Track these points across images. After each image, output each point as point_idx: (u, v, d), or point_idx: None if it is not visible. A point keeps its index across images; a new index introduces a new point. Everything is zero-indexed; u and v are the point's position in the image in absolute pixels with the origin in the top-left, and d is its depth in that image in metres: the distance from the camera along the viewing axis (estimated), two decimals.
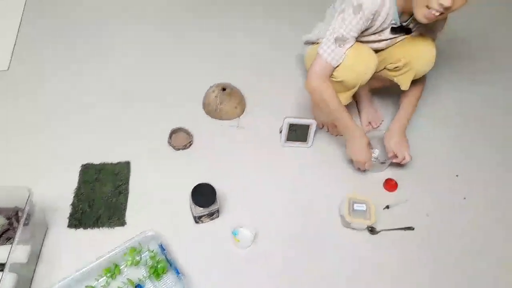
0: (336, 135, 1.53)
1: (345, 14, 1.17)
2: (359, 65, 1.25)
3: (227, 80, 1.62)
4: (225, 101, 1.50)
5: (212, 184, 1.23)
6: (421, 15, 1.11)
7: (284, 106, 1.60)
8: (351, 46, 1.21)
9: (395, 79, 1.37)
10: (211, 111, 1.52)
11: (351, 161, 1.42)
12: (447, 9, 1.06)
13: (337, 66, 1.23)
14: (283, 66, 1.74)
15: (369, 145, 1.36)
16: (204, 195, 1.21)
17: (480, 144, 1.56)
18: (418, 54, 1.29)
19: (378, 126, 1.58)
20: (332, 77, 1.27)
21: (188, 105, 1.57)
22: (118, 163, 1.40)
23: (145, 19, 1.91)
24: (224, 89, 1.52)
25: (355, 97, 1.60)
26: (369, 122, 1.58)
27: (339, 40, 1.20)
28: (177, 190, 1.32)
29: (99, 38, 1.81)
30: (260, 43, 1.84)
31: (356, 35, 1.20)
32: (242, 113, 1.56)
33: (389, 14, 1.20)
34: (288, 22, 1.92)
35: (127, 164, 1.40)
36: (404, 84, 1.36)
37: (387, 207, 1.35)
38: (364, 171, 1.42)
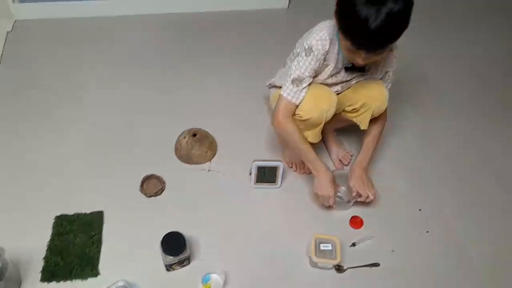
0: (303, 173, 1.60)
1: (299, 57, 1.30)
2: (321, 103, 1.33)
3: (198, 125, 1.68)
4: (196, 146, 1.56)
5: (183, 231, 1.27)
6: (351, 61, 1.27)
7: (254, 148, 1.66)
8: (308, 85, 1.32)
9: (354, 120, 1.45)
10: (183, 156, 1.57)
11: (316, 197, 1.47)
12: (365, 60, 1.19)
13: (300, 104, 1.33)
14: (252, 109, 1.82)
15: (334, 181, 1.42)
16: (173, 244, 1.24)
17: (441, 179, 1.64)
18: (371, 95, 1.38)
19: (349, 163, 1.65)
20: (298, 116, 1.35)
21: (161, 151, 1.62)
22: (91, 213, 1.43)
23: (117, 66, 1.98)
24: (194, 135, 1.58)
25: (322, 138, 1.68)
26: (340, 160, 1.65)
27: (296, 81, 1.31)
28: (149, 238, 1.35)
29: (71, 89, 1.86)
30: (230, 88, 1.92)
31: (310, 74, 1.30)
32: (214, 157, 1.62)
33: (339, 56, 1.29)
34: (255, 67, 2.01)
35: (100, 214, 1.43)
36: (363, 124, 1.45)
37: (353, 244, 1.41)
38: (329, 207, 1.47)
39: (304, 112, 1.34)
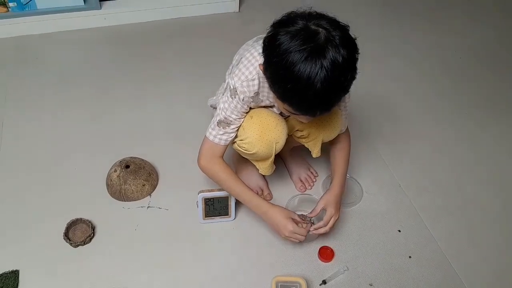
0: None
1: (226, 96, 1.11)
2: (268, 134, 1.11)
3: (136, 154, 1.43)
4: (130, 180, 1.31)
5: (119, 285, 1.01)
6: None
7: (201, 176, 1.40)
8: (238, 127, 1.13)
9: (305, 145, 1.24)
10: (115, 193, 1.32)
11: (284, 239, 1.20)
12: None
13: (229, 142, 1.15)
14: (199, 130, 1.56)
15: (287, 213, 1.17)
16: None
17: (421, 194, 1.42)
18: (319, 124, 1.17)
19: (314, 185, 1.42)
20: (244, 149, 1.14)
21: (91, 190, 1.36)
22: (2, 274, 1.16)
23: (42, 91, 1.71)
24: (127, 166, 1.33)
25: (281, 157, 1.46)
26: (302, 182, 1.42)
27: (222, 123, 1.12)
28: None
29: None
30: (174, 106, 1.67)
31: (239, 117, 1.12)
32: (153, 190, 1.37)
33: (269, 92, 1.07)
34: (204, 79, 1.77)
35: (14, 275, 1.16)
36: (314, 151, 1.24)
37: (324, 282, 1.17)
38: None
39: (249, 145, 1.12)
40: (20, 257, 1.19)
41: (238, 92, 1.07)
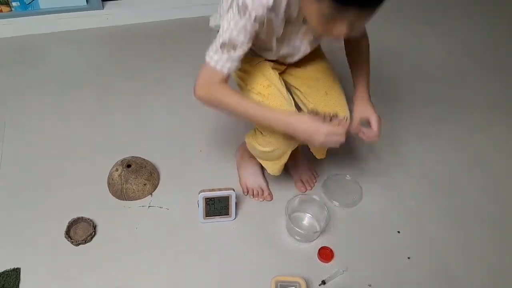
0: (263, 200, 1.37)
1: (230, 14, 0.95)
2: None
3: (137, 153, 1.44)
4: (131, 179, 1.32)
5: (120, 284, 1.02)
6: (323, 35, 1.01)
7: (203, 175, 1.42)
8: (244, 52, 0.98)
9: (311, 148, 1.25)
10: (117, 192, 1.33)
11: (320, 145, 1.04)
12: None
13: (229, 73, 1.00)
14: (199, 129, 1.59)
15: (315, 113, 1.05)
16: None
17: (421, 196, 1.43)
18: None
19: (314, 186, 1.43)
20: (260, 146, 1.14)
21: (92, 189, 1.36)
22: (4, 272, 1.16)
23: (43, 90, 1.71)
24: (129, 165, 1.34)
25: None
26: (302, 182, 1.42)
27: (227, 46, 0.97)
28: None
29: None
30: (174, 106, 1.68)
31: (246, 40, 0.96)
32: (155, 190, 1.37)
33: (290, 9, 0.96)
34: None
35: (15, 272, 1.17)
36: (318, 153, 1.26)
37: (323, 282, 1.18)
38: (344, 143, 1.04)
39: (265, 142, 1.11)
40: (22, 255, 1.20)
41: (249, 9, 0.91)
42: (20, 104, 1.65)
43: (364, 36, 1.18)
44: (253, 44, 1.00)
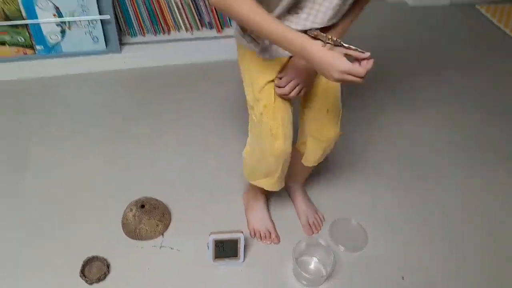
0: (271, 243, 1.41)
1: None
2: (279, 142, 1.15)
3: (150, 193, 1.50)
4: (145, 219, 1.37)
5: None
6: None
7: (213, 216, 1.47)
8: None
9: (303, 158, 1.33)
10: (130, 232, 1.38)
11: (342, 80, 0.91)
12: None
13: None
14: (210, 171, 1.65)
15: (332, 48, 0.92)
16: None
17: (426, 240, 1.46)
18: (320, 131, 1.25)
19: (321, 229, 1.47)
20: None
21: (106, 228, 1.41)
22: None
23: (60, 131, 1.79)
24: (143, 206, 1.39)
25: (290, 196, 1.53)
26: (310, 226, 1.46)
27: None
28: None
29: (5, 160, 1.66)
30: (186, 148, 1.74)
31: None
32: (166, 230, 1.42)
33: None
34: (214, 123, 1.86)
35: None
36: (307, 160, 1.32)
37: None
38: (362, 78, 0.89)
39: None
40: None
41: None
42: (41, 141, 1.72)
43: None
44: None
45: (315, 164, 1.36)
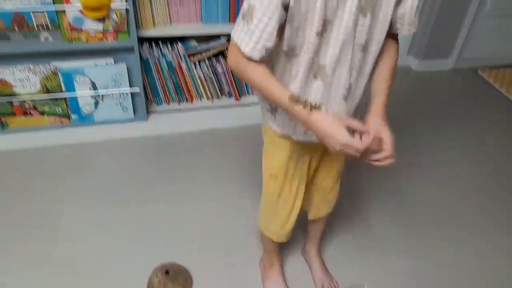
0: None
1: None
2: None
3: (174, 257, 1.60)
4: (169, 285, 1.47)
5: None
6: None
7: (233, 281, 1.56)
8: (263, 25, 0.88)
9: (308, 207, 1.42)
10: None
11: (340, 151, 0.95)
12: None
13: (248, 52, 0.92)
14: (232, 236, 1.76)
15: (337, 117, 0.95)
16: None
17: None
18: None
19: None
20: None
21: None
22: None
23: (90, 196, 1.94)
24: (167, 272, 1.50)
25: (305, 257, 1.62)
26: None
27: (247, 15, 0.90)
28: None
29: (40, 222, 1.79)
30: (209, 213, 1.87)
31: (266, 5, 0.86)
32: None
33: None
34: (237, 189, 1.98)
35: None
36: (313, 213, 1.42)
37: None
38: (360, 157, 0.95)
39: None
40: None
41: None
42: (72, 205, 1.87)
43: (394, 43, 1.08)
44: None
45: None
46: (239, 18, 0.93)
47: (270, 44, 0.91)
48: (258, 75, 0.96)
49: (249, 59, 0.93)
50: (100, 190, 1.96)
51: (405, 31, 1.03)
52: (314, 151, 1.23)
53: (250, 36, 0.90)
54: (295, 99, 0.93)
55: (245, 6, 0.90)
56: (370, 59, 1.02)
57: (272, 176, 1.27)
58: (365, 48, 0.98)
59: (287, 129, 1.16)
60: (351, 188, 1.96)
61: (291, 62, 1.00)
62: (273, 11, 0.87)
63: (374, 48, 1.00)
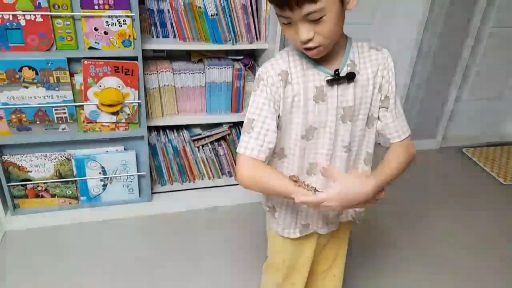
0: None
1: (252, 96, 1.03)
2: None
3: None
4: None
5: None
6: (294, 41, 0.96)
7: None
8: (264, 131, 1.00)
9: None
10: None
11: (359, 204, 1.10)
12: (309, 41, 0.92)
13: (259, 155, 1.01)
14: None
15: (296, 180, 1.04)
16: None
17: None
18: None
19: None
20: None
21: None
22: None
23: (99, 266, 2.01)
24: None
25: None
26: None
27: (247, 127, 1.02)
28: None
29: None
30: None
31: (266, 114, 1.00)
32: None
33: (306, 69, 1.01)
34: (249, 267, 2.06)
35: None
36: None
37: None
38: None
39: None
40: None
41: (261, 75, 0.99)
42: (77, 280, 1.94)
43: (410, 144, 1.27)
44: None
45: None
46: (243, 132, 1.04)
47: (272, 145, 1.04)
48: (269, 169, 1.05)
49: (255, 163, 1.02)
50: (105, 266, 2.03)
51: (396, 138, 1.22)
52: (316, 244, 1.35)
53: (254, 144, 1.02)
54: (294, 180, 1.01)
55: (244, 122, 1.04)
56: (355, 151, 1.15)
57: (274, 267, 1.38)
58: (348, 149, 1.11)
59: (288, 227, 1.27)
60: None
61: (282, 163, 1.14)
62: (271, 119, 1.00)
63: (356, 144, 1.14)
